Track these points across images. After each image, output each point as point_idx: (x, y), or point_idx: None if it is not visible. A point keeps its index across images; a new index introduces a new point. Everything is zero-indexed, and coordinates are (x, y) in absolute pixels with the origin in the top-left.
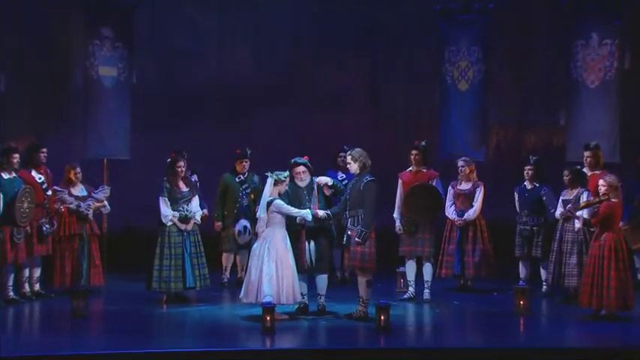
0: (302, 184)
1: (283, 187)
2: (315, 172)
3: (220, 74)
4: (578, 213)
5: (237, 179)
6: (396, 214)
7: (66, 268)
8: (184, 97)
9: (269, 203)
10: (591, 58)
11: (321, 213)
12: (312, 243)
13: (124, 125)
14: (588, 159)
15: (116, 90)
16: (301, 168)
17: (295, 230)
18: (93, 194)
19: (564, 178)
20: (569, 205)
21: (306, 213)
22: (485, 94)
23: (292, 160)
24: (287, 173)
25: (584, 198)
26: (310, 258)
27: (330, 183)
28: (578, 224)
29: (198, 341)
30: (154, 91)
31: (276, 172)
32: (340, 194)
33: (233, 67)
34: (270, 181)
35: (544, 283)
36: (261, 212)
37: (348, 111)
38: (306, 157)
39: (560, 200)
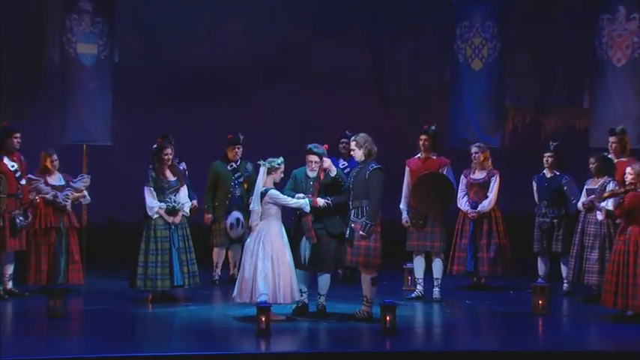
0: (311, 174)
1: (278, 176)
2: None
3: (211, 52)
4: (602, 204)
5: (228, 167)
6: (402, 206)
7: (42, 265)
8: (171, 78)
9: (263, 194)
10: (618, 33)
11: (320, 202)
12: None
13: (105, 108)
14: (614, 145)
15: (96, 69)
16: (314, 158)
17: (301, 227)
18: (71, 183)
19: (590, 165)
20: (593, 195)
21: (304, 203)
22: (501, 73)
23: (308, 147)
24: (281, 160)
25: (610, 188)
26: (305, 254)
27: (332, 174)
28: (600, 216)
29: (186, 344)
30: (137, 70)
31: (269, 160)
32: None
33: (225, 44)
34: (263, 170)
35: (564, 281)
36: (254, 204)
37: (351, 92)
38: (325, 145)
39: (584, 190)
